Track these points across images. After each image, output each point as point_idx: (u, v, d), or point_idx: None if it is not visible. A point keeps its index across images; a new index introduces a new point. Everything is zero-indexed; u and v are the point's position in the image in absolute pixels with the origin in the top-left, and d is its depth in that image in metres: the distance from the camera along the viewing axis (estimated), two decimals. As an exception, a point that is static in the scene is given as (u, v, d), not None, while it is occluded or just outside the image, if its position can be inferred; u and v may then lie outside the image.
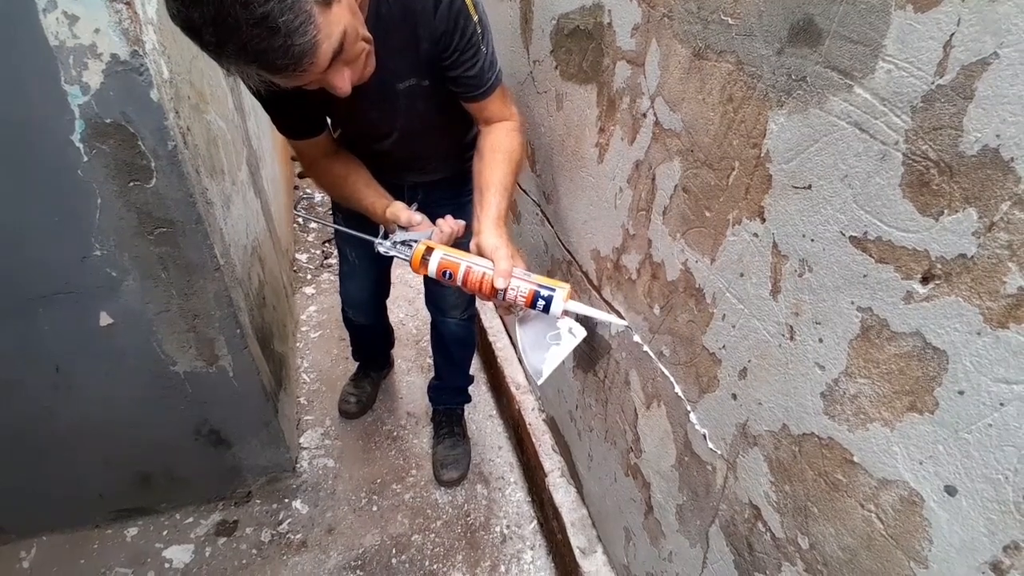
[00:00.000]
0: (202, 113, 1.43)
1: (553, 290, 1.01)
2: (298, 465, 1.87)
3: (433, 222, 1.15)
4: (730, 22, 0.66)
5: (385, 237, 1.11)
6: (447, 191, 1.41)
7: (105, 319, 1.33)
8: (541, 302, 1.01)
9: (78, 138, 1.13)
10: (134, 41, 1.08)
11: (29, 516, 1.61)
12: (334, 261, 2.89)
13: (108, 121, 1.12)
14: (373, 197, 1.18)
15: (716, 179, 0.73)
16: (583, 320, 1.09)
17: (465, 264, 1.03)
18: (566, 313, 1.03)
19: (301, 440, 1.97)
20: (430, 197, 1.36)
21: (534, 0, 1.26)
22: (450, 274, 1.03)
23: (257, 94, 1.03)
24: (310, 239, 3.09)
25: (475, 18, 1.02)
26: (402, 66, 1.06)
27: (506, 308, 1.07)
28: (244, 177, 1.84)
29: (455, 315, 1.67)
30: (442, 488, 1.82)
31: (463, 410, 1.98)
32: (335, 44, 0.81)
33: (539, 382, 1.12)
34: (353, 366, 2.18)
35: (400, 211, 1.13)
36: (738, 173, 0.69)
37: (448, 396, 1.94)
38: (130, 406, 1.48)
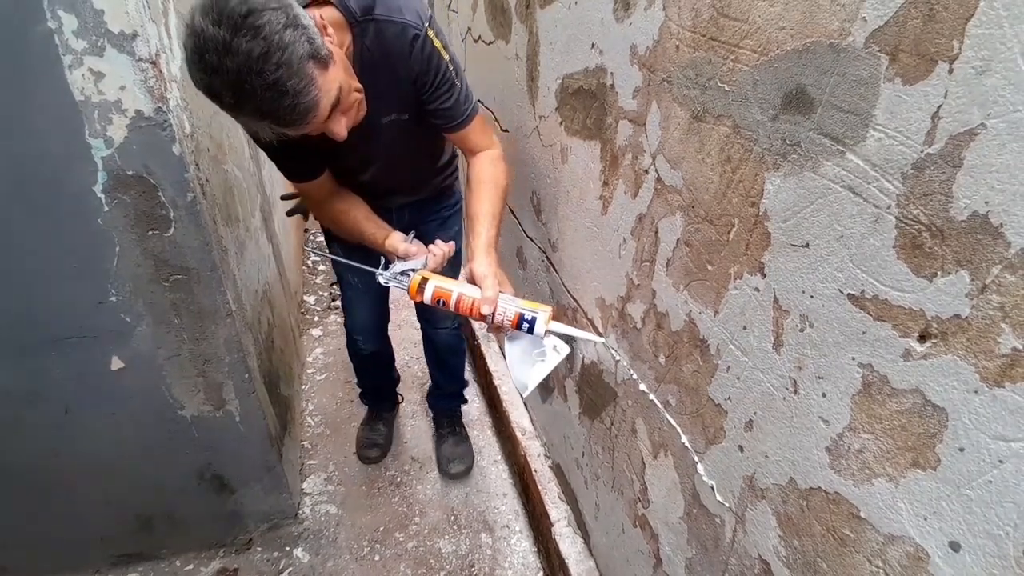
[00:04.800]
0: (220, 164, 1.48)
1: (536, 313, 1.11)
2: (300, 511, 1.85)
3: (423, 240, 1.27)
4: (726, 88, 0.69)
5: (385, 268, 1.20)
6: (431, 206, 1.56)
7: (116, 363, 1.35)
8: (525, 324, 1.11)
9: (100, 189, 1.17)
10: (158, 98, 1.13)
11: (31, 558, 1.59)
12: (341, 303, 2.91)
13: (130, 173, 1.16)
14: (373, 229, 1.29)
15: (717, 234, 0.76)
16: (568, 339, 1.18)
17: (456, 292, 1.13)
18: (550, 333, 1.13)
19: (304, 485, 1.95)
20: (416, 216, 1.51)
21: (540, 60, 1.31)
22: (443, 302, 1.14)
23: (263, 146, 1.16)
24: (318, 281, 3.13)
25: (446, 58, 1.13)
26: (385, 104, 1.16)
27: (496, 328, 1.15)
28: (257, 223, 1.88)
29: (445, 326, 1.83)
30: (446, 536, 1.79)
31: (461, 410, 2.14)
32: (333, 99, 0.94)
33: (524, 395, 1.23)
34: (358, 409, 2.18)
35: (398, 243, 1.24)
36: (738, 230, 0.71)
37: (446, 400, 2.09)
38: (136, 449, 1.49)
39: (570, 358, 1.42)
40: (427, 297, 1.14)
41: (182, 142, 1.18)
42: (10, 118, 1.08)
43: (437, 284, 1.14)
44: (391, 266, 1.20)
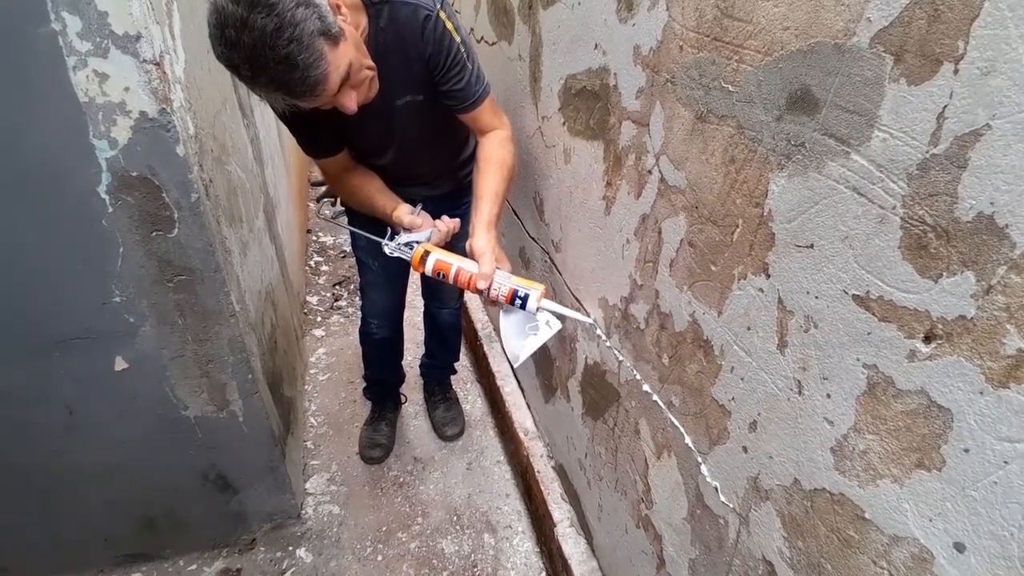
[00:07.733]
0: (224, 165, 1.48)
1: (530, 291, 1.16)
2: (303, 512, 1.85)
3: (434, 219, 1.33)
4: (730, 89, 0.69)
5: (392, 238, 1.26)
6: (450, 202, 1.59)
7: (120, 364, 1.35)
8: (519, 300, 1.17)
9: (104, 190, 1.17)
10: (162, 99, 1.13)
11: (35, 558, 1.59)
12: (344, 303, 2.92)
13: (134, 174, 1.16)
14: (383, 201, 1.35)
15: (721, 235, 0.76)
16: (560, 318, 1.23)
17: (456, 266, 1.19)
18: (542, 310, 1.18)
19: (307, 485, 1.95)
20: (436, 209, 1.54)
21: (543, 61, 1.31)
22: (443, 274, 1.20)
23: (286, 122, 1.22)
24: (321, 281, 3.13)
25: (458, 39, 1.18)
26: (399, 85, 1.21)
27: (491, 302, 1.21)
28: (261, 224, 1.89)
29: (449, 305, 1.94)
30: (448, 537, 1.79)
31: (451, 378, 2.25)
32: (342, 73, 0.99)
33: (516, 365, 1.27)
34: (361, 410, 2.18)
35: (403, 215, 1.30)
36: (742, 230, 0.71)
37: (440, 370, 2.20)
38: (139, 450, 1.49)
39: (572, 357, 1.42)
40: (428, 268, 1.20)
41: (186, 143, 1.18)
42: (14, 119, 1.08)
43: (438, 257, 1.20)
44: (397, 237, 1.26)
